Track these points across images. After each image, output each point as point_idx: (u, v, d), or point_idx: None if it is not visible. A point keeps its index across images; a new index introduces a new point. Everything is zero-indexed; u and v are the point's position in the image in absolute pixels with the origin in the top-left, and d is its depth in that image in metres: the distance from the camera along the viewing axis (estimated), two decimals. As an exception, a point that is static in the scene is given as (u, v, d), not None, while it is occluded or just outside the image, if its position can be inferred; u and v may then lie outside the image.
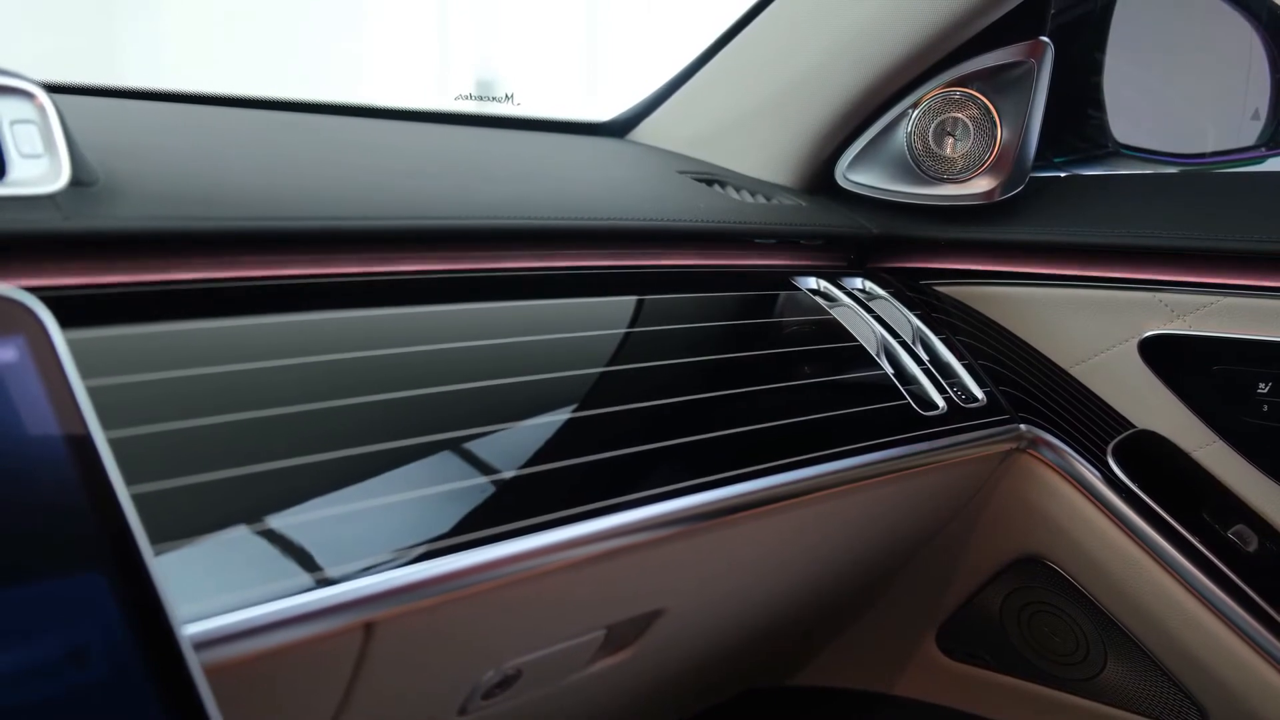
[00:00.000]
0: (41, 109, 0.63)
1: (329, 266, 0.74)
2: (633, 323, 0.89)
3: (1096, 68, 1.26)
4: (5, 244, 0.59)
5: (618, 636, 0.85)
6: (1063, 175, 1.27)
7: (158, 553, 0.46)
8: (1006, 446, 1.09)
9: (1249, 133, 1.29)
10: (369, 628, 0.59)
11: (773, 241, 1.11)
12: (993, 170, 1.17)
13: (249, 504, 0.56)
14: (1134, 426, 1.09)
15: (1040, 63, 1.15)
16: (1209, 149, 1.31)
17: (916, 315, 1.11)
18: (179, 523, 0.53)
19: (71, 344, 0.44)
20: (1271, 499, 1.04)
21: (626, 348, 0.86)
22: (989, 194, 1.17)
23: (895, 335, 1.06)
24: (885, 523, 1.08)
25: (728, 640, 1.05)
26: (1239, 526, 1.05)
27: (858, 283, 1.12)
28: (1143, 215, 1.14)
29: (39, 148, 0.62)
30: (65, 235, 0.61)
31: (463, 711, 0.76)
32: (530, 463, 0.70)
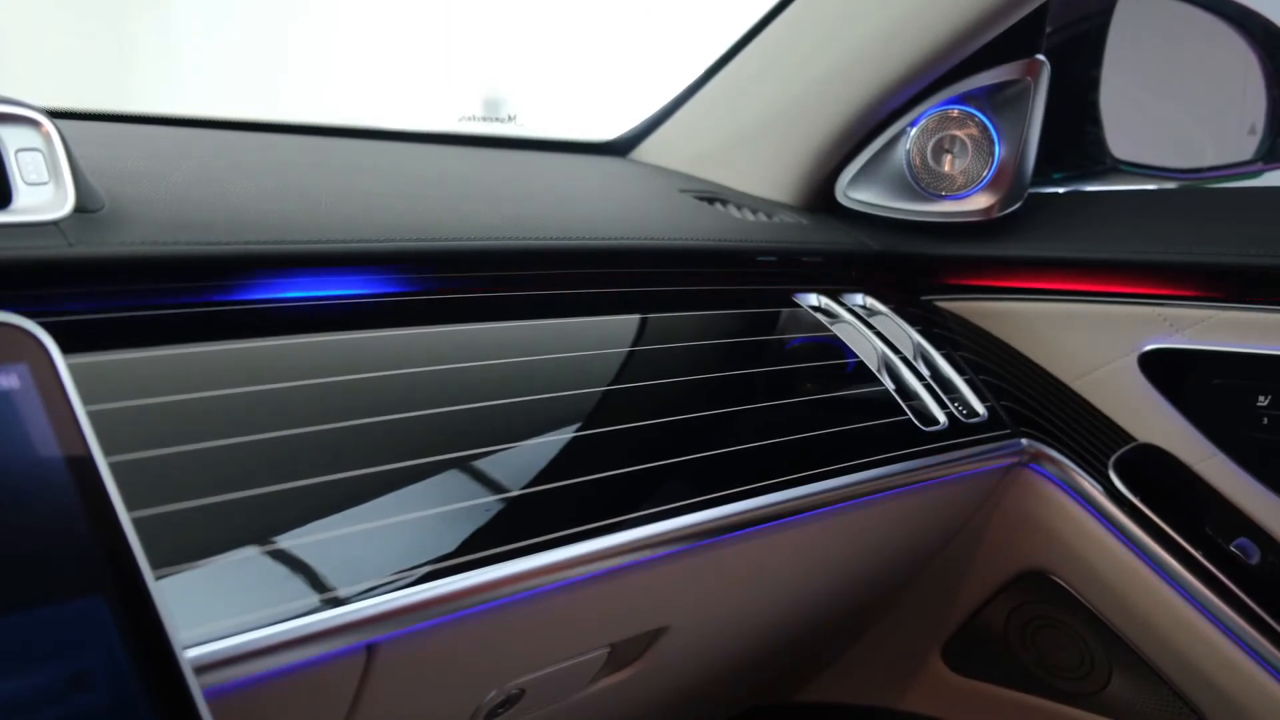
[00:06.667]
0: (47, 136, 0.64)
1: (331, 289, 0.75)
2: (635, 342, 0.90)
3: (1093, 85, 1.26)
4: (11, 271, 0.59)
5: (621, 655, 0.85)
6: (1061, 191, 1.27)
7: (159, 576, 0.46)
8: (1008, 461, 1.09)
9: (1246, 147, 1.30)
10: (371, 650, 0.59)
11: (774, 259, 1.11)
12: (991, 187, 1.18)
13: (250, 527, 0.57)
14: (1135, 440, 1.09)
15: (1036, 81, 1.16)
16: (1206, 164, 1.31)
17: (917, 331, 1.11)
18: (180, 546, 0.53)
19: (75, 369, 0.44)
20: (1273, 512, 1.04)
21: (629, 367, 0.86)
22: (988, 210, 1.18)
23: (896, 351, 1.06)
24: (888, 538, 1.08)
25: (732, 657, 1.05)
26: (1241, 539, 1.05)
27: (859, 299, 1.13)
28: (1141, 230, 1.15)
29: (44, 175, 0.63)
30: (70, 262, 0.61)
31: (466, 731, 0.76)
32: (532, 482, 0.70)
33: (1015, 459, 1.10)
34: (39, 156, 0.63)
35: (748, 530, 0.81)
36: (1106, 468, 1.08)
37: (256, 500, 0.58)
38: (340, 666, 0.59)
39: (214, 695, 0.50)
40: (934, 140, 1.19)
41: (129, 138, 0.95)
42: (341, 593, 0.57)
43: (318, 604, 0.55)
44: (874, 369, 1.03)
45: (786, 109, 1.23)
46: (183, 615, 0.49)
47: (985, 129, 1.18)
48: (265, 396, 0.64)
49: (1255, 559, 1.04)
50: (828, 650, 1.31)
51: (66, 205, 0.63)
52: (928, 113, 1.19)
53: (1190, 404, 1.07)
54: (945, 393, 1.06)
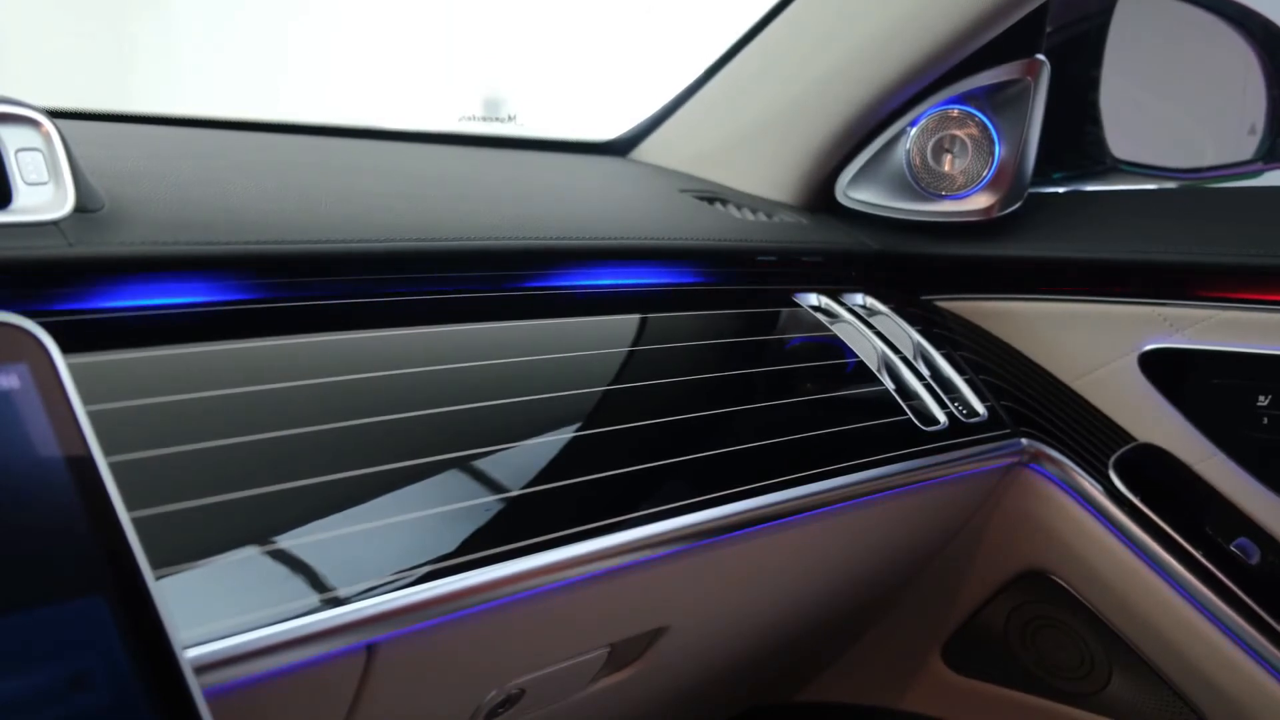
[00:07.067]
0: (47, 136, 0.64)
1: (330, 289, 0.75)
2: (635, 341, 0.90)
3: (1093, 85, 1.27)
4: (11, 270, 0.59)
5: (621, 654, 0.85)
6: (1061, 191, 1.27)
7: (159, 576, 0.46)
8: (1008, 461, 1.09)
9: (1246, 147, 1.30)
10: (371, 650, 0.59)
11: (774, 259, 1.11)
12: (991, 187, 1.18)
13: (250, 527, 0.57)
14: (1135, 440, 1.09)
15: (1036, 80, 1.16)
16: (1206, 164, 1.31)
17: (917, 330, 1.11)
18: (180, 546, 0.53)
19: (75, 369, 0.44)
20: (1273, 511, 1.04)
21: (629, 366, 0.86)
22: (988, 210, 1.18)
23: (896, 351, 1.06)
24: (888, 538, 1.08)
25: (731, 657, 1.05)
26: (1241, 539, 1.05)
27: (859, 299, 1.13)
28: (1141, 230, 1.15)
29: (44, 175, 0.63)
30: (70, 261, 0.61)
31: (466, 731, 0.76)
32: (532, 482, 0.70)
33: (1015, 459, 1.10)
34: (39, 156, 0.63)
35: (748, 530, 0.81)
36: (1106, 467, 1.08)
37: (256, 500, 0.58)
38: (340, 666, 0.59)
39: (214, 695, 0.50)
40: (934, 140, 1.19)
41: (129, 138, 0.95)
42: (341, 593, 0.57)
43: (318, 604, 0.55)
44: (874, 369, 1.03)
45: (786, 109, 1.23)
46: (183, 615, 0.49)
47: (985, 129, 1.18)
48: (265, 396, 0.64)
49: (1255, 559, 1.04)
50: (828, 650, 1.31)
51: (66, 205, 0.63)
52: (928, 113, 1.19)
53: (1190, 404, 1.07)
54: (945, 392, 1.06)
